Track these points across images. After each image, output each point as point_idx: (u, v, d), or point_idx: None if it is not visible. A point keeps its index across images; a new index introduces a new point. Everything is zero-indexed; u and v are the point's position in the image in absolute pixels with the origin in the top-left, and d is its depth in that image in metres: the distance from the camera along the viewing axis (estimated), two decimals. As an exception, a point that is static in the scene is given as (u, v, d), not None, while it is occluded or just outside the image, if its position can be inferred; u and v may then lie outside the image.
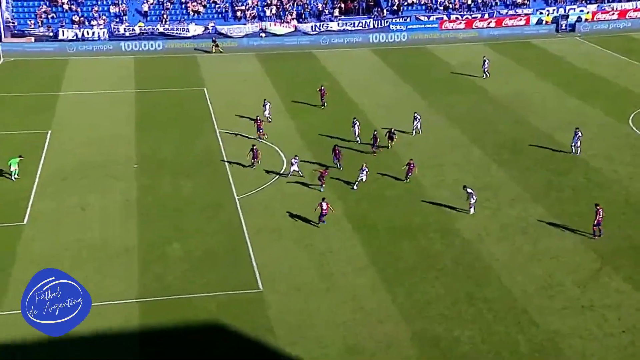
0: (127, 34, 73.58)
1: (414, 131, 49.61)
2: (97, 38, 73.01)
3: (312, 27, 76.95)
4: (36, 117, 53.24)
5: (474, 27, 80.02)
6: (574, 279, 32.80)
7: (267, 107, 52.19)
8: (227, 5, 77.99)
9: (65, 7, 74.75)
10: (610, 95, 58.89)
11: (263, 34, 75.62)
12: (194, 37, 74.41)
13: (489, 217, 38.60)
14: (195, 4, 77.06)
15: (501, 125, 52.15)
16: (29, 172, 43.57)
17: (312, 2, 79.52)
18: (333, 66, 67.53)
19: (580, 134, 45.88)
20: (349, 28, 77.72)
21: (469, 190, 38.52)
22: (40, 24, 73.16)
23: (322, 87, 55.80)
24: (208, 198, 40.54)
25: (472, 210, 38.40)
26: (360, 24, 78.19)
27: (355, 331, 29.19)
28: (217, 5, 77.72)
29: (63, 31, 72.57)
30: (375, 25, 78.27)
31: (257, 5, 78.20)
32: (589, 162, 44.85)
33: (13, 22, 72.95)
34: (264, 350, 28.24)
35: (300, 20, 77.53)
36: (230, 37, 75.11)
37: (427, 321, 29.91)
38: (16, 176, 42.28)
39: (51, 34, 72.57)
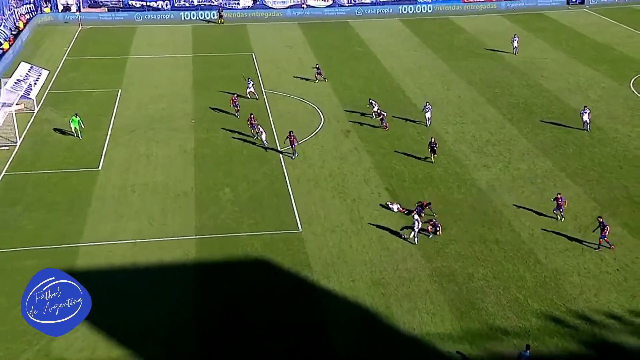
0: (186, 4, 72.90)
1: (427, 122, 43.29)
2: (160, 8, 72.53)
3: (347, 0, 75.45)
4: (108, 77, 53.33)
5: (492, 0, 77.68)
6: (576, 224, 32.23)
7: (251, 85, 47.81)
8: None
9: (133, -20, 74.29)
10: (613, 61, 56.92)
11: (305, 5, 74.39)
12: (243, 8, 73.48)
13: (502, 169, 37.92)
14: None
15: (515, 88, 50.86)
16: (103, 125, 43.86)
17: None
18: (366, 34, 66.21)
19: (589, 111, 42.66)
20: None
21: (416, 217, 31.02)
22: (112, -5, 72.98)
23: (317, 65, 52.18)
24: (255, 150, 40.42)
25: (415, 240, 30.71)
26: (391, -3, 76.44)
27: (381, 267, 29.14)
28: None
29: (131, 2, 72.23)
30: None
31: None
32: (593, 121, 43.56)
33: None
34: (302, 282, 28.37)
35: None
36: (275, 8, 74.00)
37: (445, 259, 29.72)
38: (79, 136, 41.50)
39: (121, 4, 72.25)
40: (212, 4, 73.04)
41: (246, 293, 27.69)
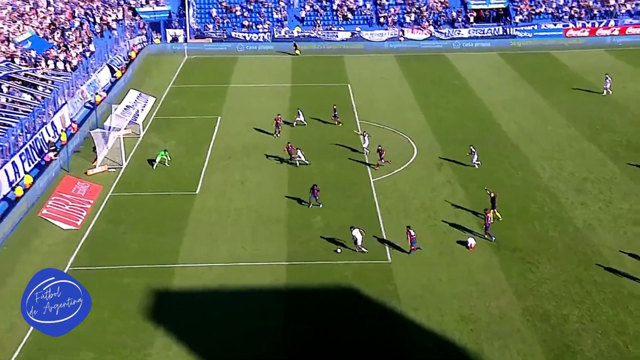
0: (286, 36, 74.93)
1: (475, 164, 41.54)
2: (261, 40, 74.89)
3: (445, 33, 75.21)
4: (210, 105, 55.16)
5: (597, 34, 75.24)
6: (683, 270, 30.35)
7: (301, 114, 49.36)
8: (371, 12, 77.63)
9: (238, 13, 77.08)
10: None
11: (402, 38, 74.76)
12: (341, 40, 74.66)
13: (602, 208, 36.35)
14: (345, 9, 77.23)
15: (617, 125, 48.83)
16: (202, 151, 45.38)
17: (448, 12, 77.61)
18: (463, 67, 65.63)
19: None
20: (478, 35, 75.32)
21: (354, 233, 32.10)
22: (217, 27, 75.91)
23: (335, 107, 50.43)
24: (347, 179, 40.66)
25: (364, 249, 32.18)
26: (490, 31, 75.58)
27: (471, 303, 28.45)
28: (363, 12, 77.50)
29: (234, 33, 75.05)
30: (504, 32, 75.46)
31: (398, 13, 77.31)
32: None
33: (197, 26, 76.20)
34: (390, 313, 28.12)
35: (436, 27, 75.89)
36: (373, 40, 74.73)
37: (538, 298, 28.66)
38: (166, 164, 42.44)
39: (225, 36, 75.15)
40: (310, 34, 74.73)
41: (334, 320, 27.68)
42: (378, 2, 78.21)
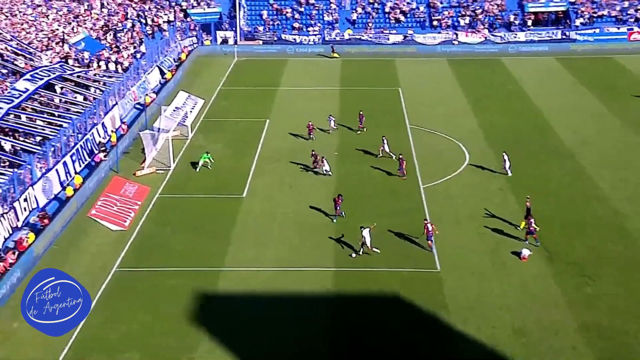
0: (337, 39, 74.83)
1: (508, 171, 40.64)
2: (312, 42, 74.99)
3: (501, 37, 73.95)
4: (259, 107, 55.35)
5: (664, 38, 72.95)
6: None
7: (332, 121, 49.20)
8: (425, 15, 76.93)
9: (289, 15, 77.44)
10: None
11: (456, 42, 73.84)
12: (393, 44, 74.17)
13: (665, 220, 35.09)
14: (397, 12, 76.76)
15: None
16: (249, 153, 45.53)
17: (504, 15, 76.35)
18: (518, 72, 64.33)
19: None
20: (535, 39, 73.80)
21: (364, 234, 31.92)
22: (267, 29, 76.42)
23: (361, 112, 49.67)
24: (397, 185, 40.22)
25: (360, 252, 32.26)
26: (548, 35, 73.99)
27: (523, 316, 27.73)
28: (416, 15, 76.88)
29: (285, 36, 75.41)
30: (563, 36, 73.74)
31: (452, 16, 76.48)
32: None
33: (247, 28, 76.83)
34: (438, 323, 27.62)
35: (491, 30, 74.73)
36: (425, 44, 73.96)
37: (596, 313, 27.75)
38: (209, 167, 42.80)
39: (275, 38, 75.55)
40: (361, 37, 74.49)
41: (381, 329, 27.34)
42: (432, 4, 77.50)
